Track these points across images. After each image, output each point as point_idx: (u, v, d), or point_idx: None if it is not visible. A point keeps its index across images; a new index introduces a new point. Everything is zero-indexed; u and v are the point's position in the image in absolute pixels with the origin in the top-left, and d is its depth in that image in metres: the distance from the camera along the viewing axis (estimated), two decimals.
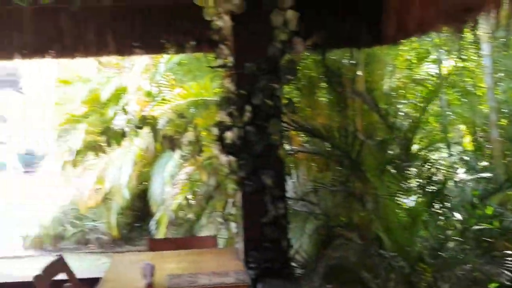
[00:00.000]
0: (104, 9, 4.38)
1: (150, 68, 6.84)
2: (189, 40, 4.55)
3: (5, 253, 8.66)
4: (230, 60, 3.62)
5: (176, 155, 6.13)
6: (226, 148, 3.54)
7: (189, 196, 5.96)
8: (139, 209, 8.67)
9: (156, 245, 3.76)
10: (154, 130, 4.70)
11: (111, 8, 4.39)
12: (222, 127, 3.57)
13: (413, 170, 3.94)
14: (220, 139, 3.56)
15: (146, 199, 8.11)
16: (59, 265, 3.08)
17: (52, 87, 8.82)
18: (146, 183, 8.00)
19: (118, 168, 7.20)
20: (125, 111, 4.91)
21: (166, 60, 6.42)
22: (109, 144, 4.51)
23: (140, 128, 4.56)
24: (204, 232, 6.05)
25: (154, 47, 4.72)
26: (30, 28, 4.53)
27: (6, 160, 13.14)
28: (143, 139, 6.36)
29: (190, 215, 6.54)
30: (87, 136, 7.99)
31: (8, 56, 4.69)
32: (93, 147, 5.05)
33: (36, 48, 4.59)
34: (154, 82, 6.83)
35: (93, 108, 8.16)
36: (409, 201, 3.85)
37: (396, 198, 3.77)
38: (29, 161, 13.69)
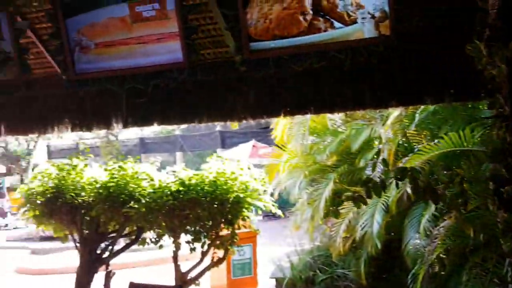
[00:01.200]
0: (360, 64, 4.59)
1: (402, 118, 6.82)
2: (449, 90, 4.44)
3: None
4: (506, 109, 3.39)
5: (432, 207, 5.92)
6: (505, 204, 3.28)
7: (447, 251, 5.66)
8: (383, 258, 8.53)
9: None
10: (414, 181, 4.63)
11: (371, 65, 4.56)
12: (499, 180, 3.33)
13: None
14: (497, 193, 3.33)
15: (391, 249, 7.94)
16: None
17: (302, 138, 9.34)
18: (393, 233, 7.87)
19: (370, 216, 7.26)
20: (384, 163, 4.97)
21: (420, 110, 6.34)
22: (369, 195, 4.59)
23: (401, 179, 4.54)
24: None
25: (411, 99, 4.73)
26: (294, 89, 5.00)
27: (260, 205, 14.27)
28: (396, 189, 6.32)
29: (445, 271, 6.19)
30: (335, 185, 8.29)
31: (276, 114, 5.24)
32: (352, 197, 5.18)
33: (298, 106, 5.02)
34: (407, 132, 6.77)
35: (341, 158, 8.44)
36: None
37: None
38: (281, 207, 14.72)
